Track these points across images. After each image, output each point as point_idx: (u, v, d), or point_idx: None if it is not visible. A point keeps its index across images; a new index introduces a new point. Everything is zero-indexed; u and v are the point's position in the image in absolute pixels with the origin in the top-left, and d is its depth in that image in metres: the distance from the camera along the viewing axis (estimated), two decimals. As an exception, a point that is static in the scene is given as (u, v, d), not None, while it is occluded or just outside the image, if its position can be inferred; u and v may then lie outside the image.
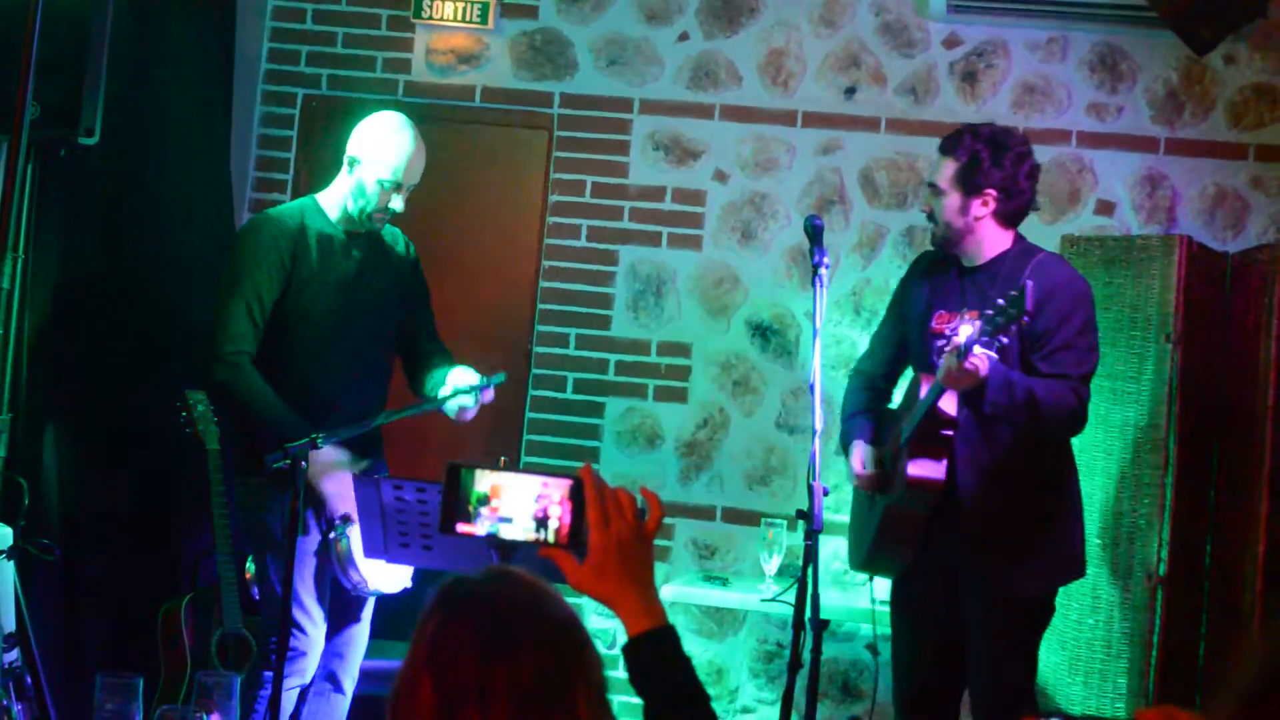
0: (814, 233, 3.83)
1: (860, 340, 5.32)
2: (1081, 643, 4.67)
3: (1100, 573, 4.59)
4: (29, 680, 3.81)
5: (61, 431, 4.54)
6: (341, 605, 4.20)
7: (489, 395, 4.17)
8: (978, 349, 3.46)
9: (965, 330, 3.48)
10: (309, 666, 4.08)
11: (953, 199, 3.91)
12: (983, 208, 3.88)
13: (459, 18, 5.65)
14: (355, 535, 4.00)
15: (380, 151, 4.14)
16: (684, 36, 5.58)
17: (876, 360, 4.27)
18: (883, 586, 4.21)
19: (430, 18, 5.66)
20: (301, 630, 4.07)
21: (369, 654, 4.41)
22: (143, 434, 4.81)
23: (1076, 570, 3.99)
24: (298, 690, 4.07)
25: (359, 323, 4.25)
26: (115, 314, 4.75)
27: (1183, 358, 4.52)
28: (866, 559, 4.10)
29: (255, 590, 4.30)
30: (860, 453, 4.04)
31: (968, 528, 3.84)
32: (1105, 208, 5.32)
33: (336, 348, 4.20)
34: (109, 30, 4.03)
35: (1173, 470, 4.49)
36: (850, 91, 5.48)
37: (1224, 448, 4.64)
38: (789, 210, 5.48)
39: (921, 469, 3.77)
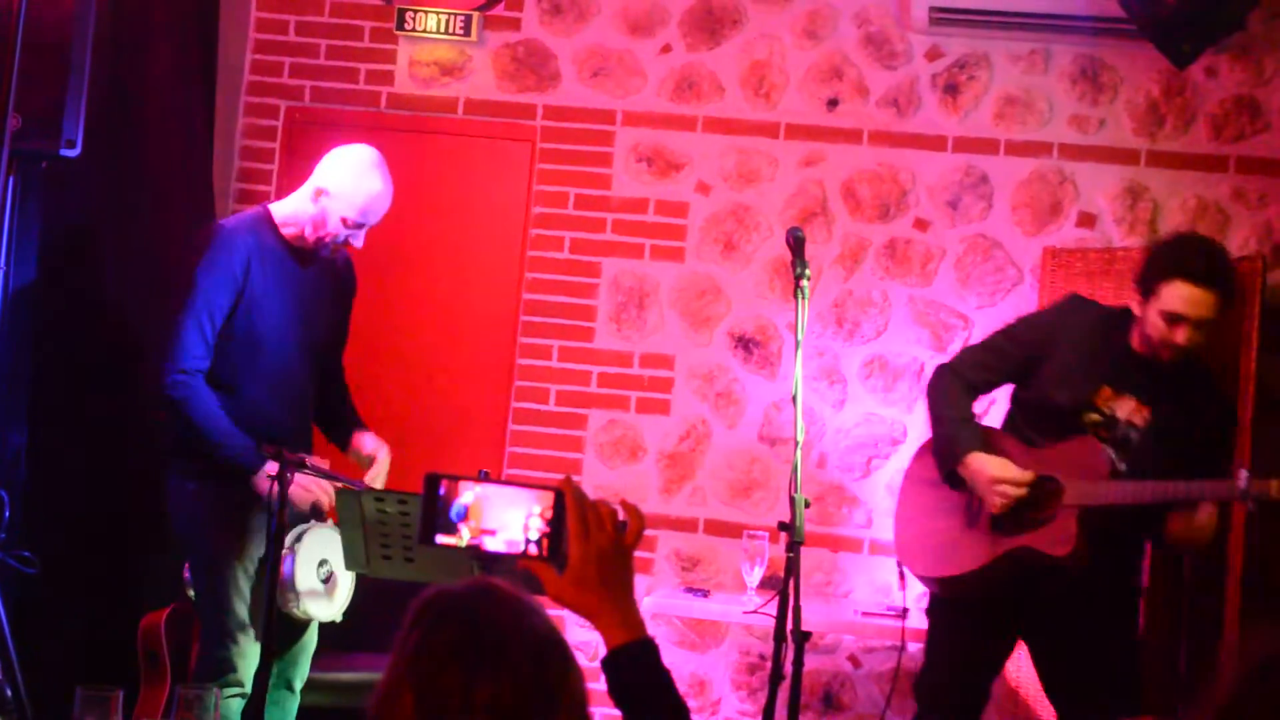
0: (796, 245, 3.83)
1: (842, 352, 5.33)
2: (1063, 654, 4.68)
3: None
4: (9, 693, 3.79)
5: (41, 443, 4.53)
6: (289, 622, 4.16)
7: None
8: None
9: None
10: (246, 678, 4.02)
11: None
12: None
13: (441, 29, 5.65)
14: (297, 558, 4.01)
15: (349, 190, 4.12)
16: (667, 48, 5.59)
17: (987, 378, 4.09)
18: (879, 601, 4.20)
19: (413, 30, 5.66)
20: (233, 640, 4.05)
21: (322, 669, 4.42)
22: (123, 446, 4.79)
23: None
24: (240, 699, 4.03)
25: (304, 341, 4.25)
26: (95, 326, 4.74)
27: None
28: (951, 579, 4.01)
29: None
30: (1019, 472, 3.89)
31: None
32: (1087, 220, 5.34)
33: (281, 365, 4.18)
34: (90, 42, 4.02)
35: (1152, 482, 4.51)
36: (833, 103, 5.49)
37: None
38: (771, 222, 5.49)
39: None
